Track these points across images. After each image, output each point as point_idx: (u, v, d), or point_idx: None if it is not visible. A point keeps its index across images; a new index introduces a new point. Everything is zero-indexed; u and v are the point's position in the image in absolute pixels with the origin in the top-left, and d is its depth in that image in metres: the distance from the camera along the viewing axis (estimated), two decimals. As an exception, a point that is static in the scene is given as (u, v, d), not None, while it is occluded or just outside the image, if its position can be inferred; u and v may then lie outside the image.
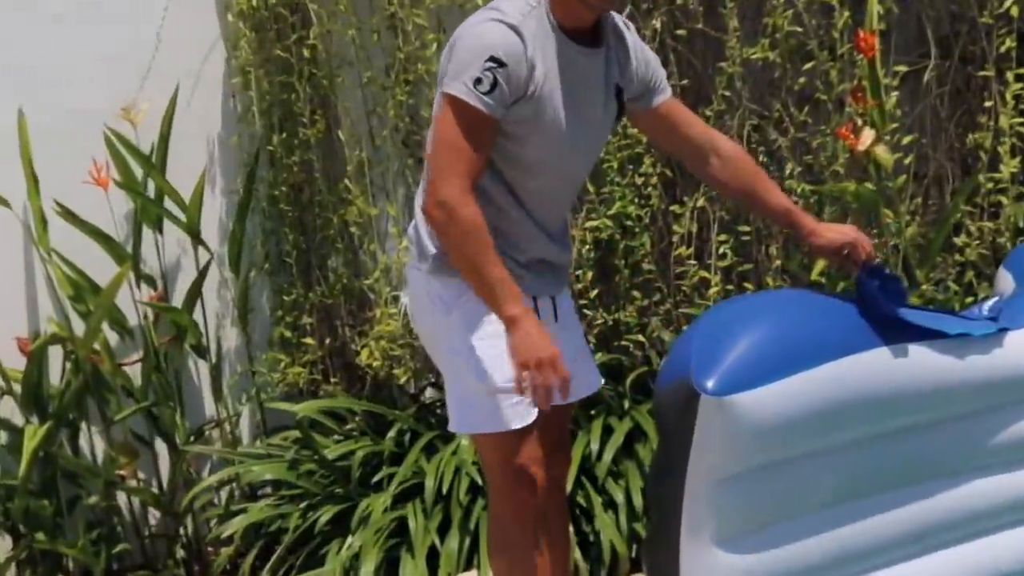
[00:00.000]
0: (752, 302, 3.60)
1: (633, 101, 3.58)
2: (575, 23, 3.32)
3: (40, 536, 4.72)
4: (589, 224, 5.05)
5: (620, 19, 3.57)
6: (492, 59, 3.16)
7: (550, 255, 3.53)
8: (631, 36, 3.56)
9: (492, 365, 3.38)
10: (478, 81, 3.14)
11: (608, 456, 4.64)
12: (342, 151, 5.21)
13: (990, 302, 3.87)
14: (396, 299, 5.05)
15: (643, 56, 3.57)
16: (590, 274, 5.06)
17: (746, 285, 5.14)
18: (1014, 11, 5.12)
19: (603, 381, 3.82)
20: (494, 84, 3.16)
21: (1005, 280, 4.14)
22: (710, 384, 3.27)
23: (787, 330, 3.40)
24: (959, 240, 5.30)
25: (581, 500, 4.61)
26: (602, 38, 3.44)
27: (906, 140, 5.19)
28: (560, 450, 3.75)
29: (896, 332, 3.51)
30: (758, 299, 3.63)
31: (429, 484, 4.59)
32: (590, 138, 3.49)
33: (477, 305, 3.38)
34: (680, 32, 5.07)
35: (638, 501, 4.54)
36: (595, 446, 4.65)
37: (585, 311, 5.03)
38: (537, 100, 3.27)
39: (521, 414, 3.39)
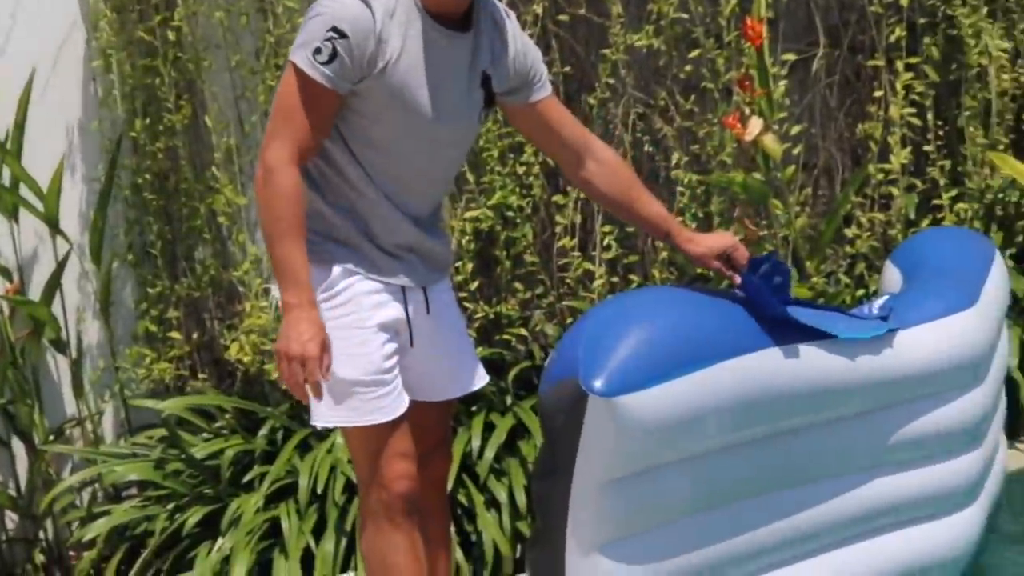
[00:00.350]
0: (641, 299, 3.61)
1: (509, 95, 3.56)
2: (440, 6, 3.32)
3: None
4: (469, 214, 5.07)
5: (501, 7, 3.56)
6: (334, 30, 3.17)
7: (417, 243, 3.52)
8: (512, 25, 3.54)
9: (356, 356, 3.38)
10: (318, 51, 3.16)
11: (490, 454, 4.65)
12: (209, 137, 5.16)
13: (880, 300, 3.94)
14: (267, 292, 4.99)
15: (523, 48, 3.55)
16: (470, 265, 5.07)
17: (632, 278, 5.20)
18: (904, 0, 5.26)
19: (488, 379, 3.84)
20: (333, 55, 3.17)
21: (892, 275, 4.24)
22: (599, 384, 3.27)
23: (678, 329, 3.42)
24: (849, 231, 5.43)
25: (463, 499, 4.62)
26: (474, 22, 3.43)
27: (795, 130, 5.28)
28: (440, 448, 3.76)
29: (786, 332, 3.55)
30: (647, 296, 3.63)
31: (303, 484, 4.57)
32: (454, 124, 3.46)
33: (339, 298, 3.40)
34: (562, 18, 5.09)
35: (522, 500, 4.55)
36: (477, 443, 4.67)
37: (465, 304, 5.03)
38: (388, 78, 3.26)
39: (387, 407, 3.40)
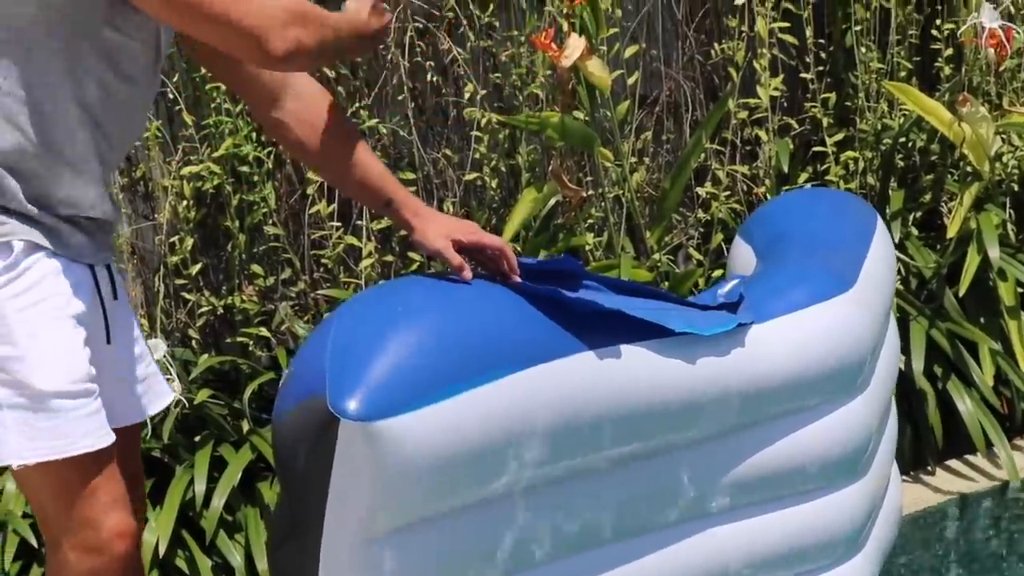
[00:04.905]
0: (408, 291, 3.64)
1: None
2: None
3: None
4: (187, 170, 5.12)
5: None
6: None
7: (101, 206, 3.55)
8: None
9: (56, 358, 3.37)
10: None
11: (219, 502, 4.68)
12: None
13: (728, 286, 4.08)
14: None
15: None
16: (190, 241, 5.15)
17: (412, 256, 5.32)
18: None
19: (172, 394, 3.87)
20: None
21: (744, 253, 4.42)
22: (352, 405, 3.27)
23: (458, 331, 3.46)
24: (703, 190, 5.64)
25: (183, 564, 4.65)
26: None
27: (629, 52, 5.47)
28: (134, 491, 3.73)
29: (604, 330, 3.64)
30: (416, 286, 3.66)
31: None
32: (157, 32, 3.54)
33: (23, 284, 3.37)
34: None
35: (263, 564, 4.57)
36: (201, 488, 4.69)
37: (184, 295, 5.13)
38: None
39: (94, 431, 3.39)
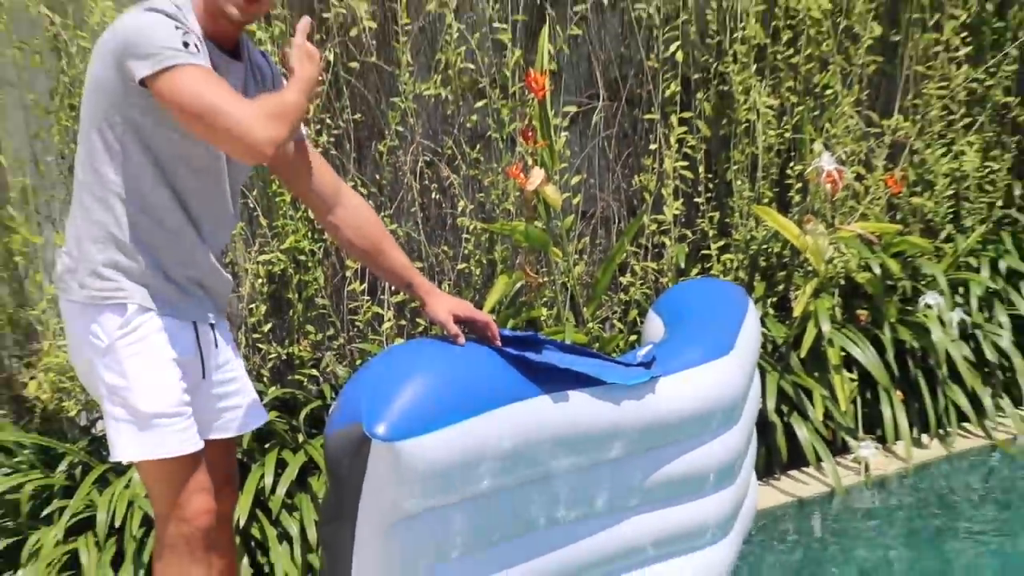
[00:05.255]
0: (421, 350, 3.69)
1: None
2: (217, 33, 3.49)
3: None
4: (262, 258, 5.20)
5: (260, 51, 3.76)
6: (177, 27, 3.29)
7: (210, 277, 3.66)
8: (272, 69, 3.74)
9: (157, 388, 3.49)
10: (185, 44, 3.24)
11: (282, 489, 4.78)
12: (3, 176, 5.19)
13: (644, 349, 4.17)
14: (64, 331, 4.82)
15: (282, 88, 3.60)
16: (264, 308, 5.22)
17: (419, 321, 5.39)
18: (679, 56, 5.62)
19: (268, 416, 3.94)
20: (197, 44, 3.32)
21: (655, 324, 4.49)
22: (381, 430, 3.40)
23: (455, 378, 3.57)
24: (624, 279, 5.76)
25: (256, 533, 4.73)
26: (241, 54, 3.60)
27: (574, 180, 5.62)
28: (228, 485, 3.90)
29: (557, 380, 3.75)
30: (426, 347, 3.70)
31: (101, 517, 4.63)
32: None
33: (136, 334, 3.50)
34: (353, 65, 5.28)
35: (312, 534, 4.68)
36: (269, 480, 4.79)
37: (259, 345, 5.19)
38: None
39: (189, 440, 3.53)
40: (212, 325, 3.70)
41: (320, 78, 3.33)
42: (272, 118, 3.21)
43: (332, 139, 5.26)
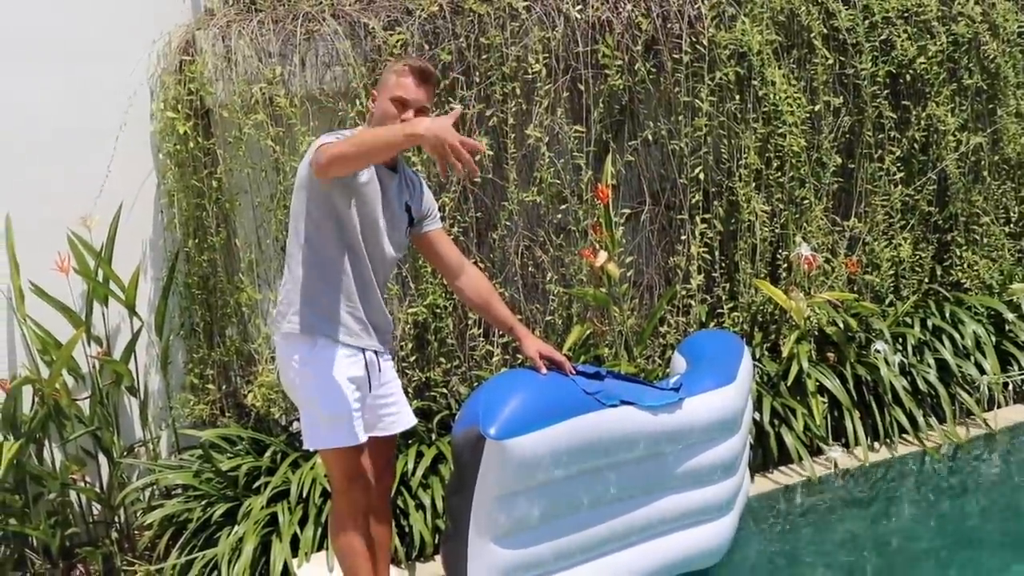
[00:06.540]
0: (519, 375, 3.67)
1: (416, 224, 3.67)
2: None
3: (12, 522, 4.65)
4: (411, 311, 5.06)
5: (412, 170, 3.74)
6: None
7: (379, 318, 3.58)
8: (419, 181, 3.70)
9: (337, 399, 3.43)
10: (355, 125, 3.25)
11: (420, 472, 4.66)
12: (238, 253, 5.14)
13: (674, 379, 4.04)
14: (274, 359, 4.88)
15: (426, 196, 3.69)
16: (410, 345, 5.09)
17: (518, 356, 5.22)
18: (701, 176, 5.52)
19: (416, 421, 3.87)
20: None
21: (679, 361, 4.33)
22: (493, 431, 3.40)
23: (544, 396, 3.54)
24: (663, 329, 5.56)
25: (400, 503, 4.62)
26: (398, 169, 3.57)
27: (628, 260, 5.46)
28: (387, 468, 3.81)
29: (613, 399, 3.68)
30: (523, 374, 3.68)
31: (293, 490, 4.57)
32: (391, 229, 3.54)
33: (323, 359, 3.44)
34: (476, 180, 5.17)
35: (440, 505, 4.55)
36: (411, 466, 4.68)
37: (406, 371, 5.07)
38: (365, 186, 3.39)
39: (355, 436, 3.45)
40: (377, 353, 3.61)
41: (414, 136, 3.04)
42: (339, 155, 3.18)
43: (461, 229, 5.21)
